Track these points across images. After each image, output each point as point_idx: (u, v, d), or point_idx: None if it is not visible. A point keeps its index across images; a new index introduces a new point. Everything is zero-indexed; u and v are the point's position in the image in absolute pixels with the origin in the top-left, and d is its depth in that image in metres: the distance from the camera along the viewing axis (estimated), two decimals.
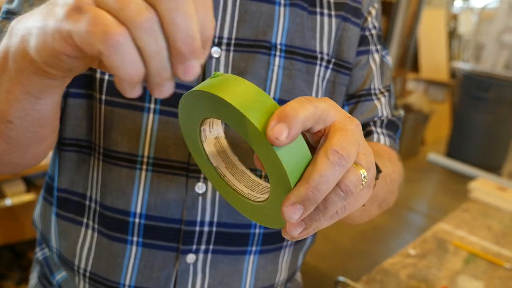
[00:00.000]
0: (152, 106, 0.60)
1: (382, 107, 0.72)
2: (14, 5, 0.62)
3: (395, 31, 4.01)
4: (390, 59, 0.76)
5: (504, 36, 4.15)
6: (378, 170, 0.50)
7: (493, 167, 3.59)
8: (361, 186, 0.36)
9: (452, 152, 3.85)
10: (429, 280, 0.92)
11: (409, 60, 4.38)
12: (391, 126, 0.73)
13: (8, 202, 1.48)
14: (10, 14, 0.61)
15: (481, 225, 1.20)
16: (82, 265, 0.67)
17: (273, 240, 0.69)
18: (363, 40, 0.70)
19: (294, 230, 0.36)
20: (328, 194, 0.35)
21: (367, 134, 0.70)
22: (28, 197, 1.52)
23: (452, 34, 5.02)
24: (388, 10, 3.91)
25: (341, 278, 0.90)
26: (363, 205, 0.45)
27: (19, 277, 1.62)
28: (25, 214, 1.54)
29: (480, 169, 3.48)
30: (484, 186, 1.41)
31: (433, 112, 4.11)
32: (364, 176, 0.36)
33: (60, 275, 0.72)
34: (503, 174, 3.60)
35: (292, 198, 0.34)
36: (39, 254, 0.78)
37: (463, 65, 4.51)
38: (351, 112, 0.71)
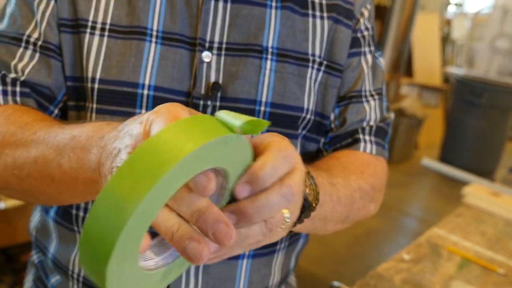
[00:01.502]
0: (144, 112, 0.59)
1: (371, 111, 0.71)
2: (4, 25, 0.63)
3: (389, 35, 4.03)
4: (383, 61, 0.76)
5: (497, 42, 4.18)
6: (311, 208, 0.50)
7: (485, 172, 3.62)
8: (281, 227, 0.40)
9: (445, 156, 3.87)
10: (423, 286, 0.92)
11: (403, 64, 4.41)
12: (380, 132, 0.72)
13: (1, 205, 1.47)
14: (1, 37, 0.63)
15: (474, 230, 1.20)
16: (76, 270, 0.66)
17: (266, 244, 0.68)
18: (355, 42, 0.69)
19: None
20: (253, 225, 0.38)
21: (355, 141, 0.70)
22: None
23: (445, 39, 5.05)
24: (382, 14, 3.93)
25: (336, 283, 0.90)
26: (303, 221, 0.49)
27: (11, 281, 1.61)
28: (18, 218, 1.53)
29: (473, 173, 3.50)
30: (477, 191, 1.41)
31: (427, 116, 4.14)
32: (286, 219, 0.40)
33: (55, 279, 0.72)
34: (495, 179, 3.63)
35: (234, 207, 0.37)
36: (34, 257, 0.78)
37: (456, 70, 4.54)
38: (341, 113, 0.70)
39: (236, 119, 0.34)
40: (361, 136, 0.70)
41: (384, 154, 0.73)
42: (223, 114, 0.34)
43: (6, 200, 1.48)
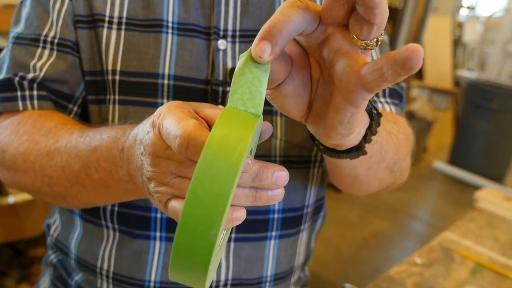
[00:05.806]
0: (165, 102, 0.61)
1: None
2: (21, 28, 0.65)
3: (400, 37, 4.00)
4: (386, 37, 0.74)
5: (510, 46, 4.15)
6: (379, 113, 0.48)
7: (495, 177, 3.58)
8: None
9: (454, 160, 3.84)
10: None
11: None
12: (395, 94, 0.71)
13: (10, 199, 1.47)
14: (20, 39, 0.65)
15: (487, 235, 1.19)
16: (105, 266, 0.67)
17: (291, 224, 0.70)
18: None
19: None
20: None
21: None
22: None
23: (457, 42, 5.01)
24: (393, 16, 3.90)
25: (348, 286, 0.89)
26: (366, 153, 0.46)
27: (19, 275, 1.61)
28: (27, 212, 1.53)
29: (483, 178, 3.47)
30: (490, 195, 1.39)
31: (436, 120, 4.11)
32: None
33: (79, 276, 0.71)
34: (506, 183, 3.59)
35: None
36: (52, 256, 0.77)
37: (467, 74, 4.50)
38: None
39: (250, 102, 0.37)
40: (375, 98, 0.69)
41: (403, 115, 0.71)
42: (239, 103, 0.37)
43: (15, 195, 1.49)
